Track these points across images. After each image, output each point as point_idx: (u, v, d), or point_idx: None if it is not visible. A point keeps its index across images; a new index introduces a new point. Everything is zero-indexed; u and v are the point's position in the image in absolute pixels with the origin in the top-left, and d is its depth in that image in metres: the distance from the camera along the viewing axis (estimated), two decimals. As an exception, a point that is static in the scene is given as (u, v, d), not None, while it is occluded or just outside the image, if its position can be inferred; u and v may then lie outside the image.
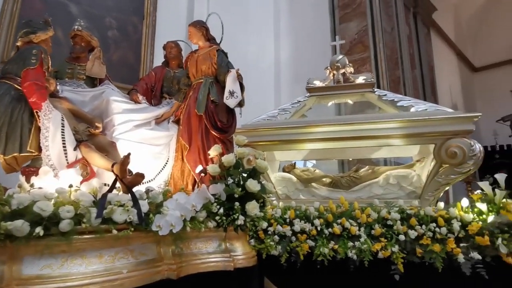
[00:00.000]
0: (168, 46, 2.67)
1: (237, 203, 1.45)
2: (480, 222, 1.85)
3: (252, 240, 2.09)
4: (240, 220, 1.45)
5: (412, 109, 2.36)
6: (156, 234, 1.29)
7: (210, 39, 2.38)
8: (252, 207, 1.45)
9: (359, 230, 1.98)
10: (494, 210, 1.87)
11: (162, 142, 2.18)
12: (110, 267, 1.16)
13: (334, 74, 2.87)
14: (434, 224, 1.88)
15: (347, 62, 2.87)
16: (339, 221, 2.02)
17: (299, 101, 2.81)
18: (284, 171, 2.85)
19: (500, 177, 1.95)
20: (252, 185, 1.49)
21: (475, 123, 2.13)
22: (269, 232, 2.12)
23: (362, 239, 1.92)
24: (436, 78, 5.41)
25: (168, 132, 2.22)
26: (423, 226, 1.89)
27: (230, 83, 2.07)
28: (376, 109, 2.72)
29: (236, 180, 1.56)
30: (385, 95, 2.60)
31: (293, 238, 2.06)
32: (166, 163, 2.16)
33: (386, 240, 1.90)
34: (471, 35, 8.06)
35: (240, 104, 2.22)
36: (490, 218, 1.84)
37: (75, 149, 1.54)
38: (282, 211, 2.21)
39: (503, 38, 7.76)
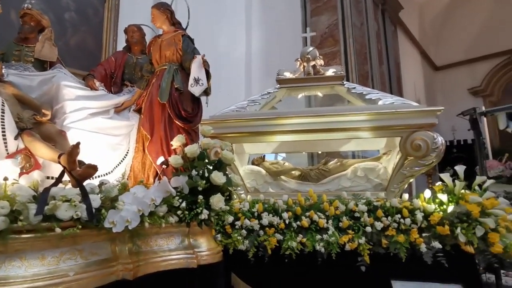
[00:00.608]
0: (130, 30, 2.49)
1: (200, 197, 1.36)
2: (441, 212, 1.90)
3: (219, 235, 2.02)
4: (204, 215, 1.36)
5: (380, 102, 2.38)
6: (111, 231, 1.17)
7: (175, 23, 2.24)
8: (217, 201, 1.37)
9: (327, 222, 1.96)
10: (453, 201, 1.92)
11: (122, 132, 2.02)
12: (54, 269, 1.03)
13: (304, 66, 2.83)
14: (399, 216, 1.91)
15: (318, 55, 2.85)
16: (307, 214, 2.00)
17: (269, 93, 2.75)
18: (253, 164, 2.79)
19: (460, 169, 2.01)
20: (217, 177, 1.41)
21: (438, 121, 2.19)
22: (237, 227, 2.06)
23: (330, 232, 1.91)
24: (402, 74, 5.60)
25: (128, 122, 2.07)
26: (389, 218, 1.92)
27: (195, 70, 1.96)
28: (345, 102, 2.72)
29: (200, 172, 1.47)
30: (354, 88, 2.61)
31: (261, 232, 2.01)
32: (126, 155, 2.01)
33: (353, 232, 1.90)
34: (434, 36, 8.42)
35: (206, 92, 2.12)
36: (450, 208, 1.89)
37: (16, 138, 1.37)
38: (250, 205, 2.15)
39: (462, 39, 8.18)
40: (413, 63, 7.22)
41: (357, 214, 1.96)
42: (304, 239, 1.91)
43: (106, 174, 1.80)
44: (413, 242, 1.81)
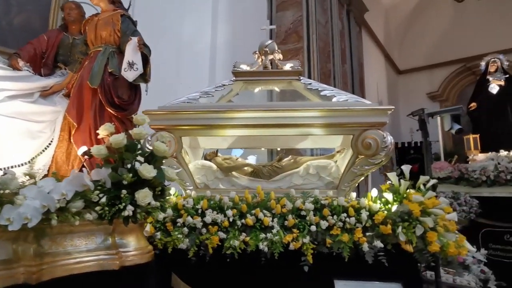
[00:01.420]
0: (67, 7, 2.27)
1: (124, 191, 1.23)
2: (386, 212, 1.89)
3: (158, 233, 1.89)
4: (128, 211, 1.23)
5: (334, 99, 2.34)
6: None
7: (115, 2, 2.06)
8: (143, 196, 1.24)
9: (272, 221, 1.90)
10: (398, 200, 1.93)
11: (46, 118, 1.82)
12: None
13: (262, 60, 2.75)
14: (345, 214, 1.89)
15: (276, 48, 2.77)
16: (253, 211, 1.92)
17: (224, 85, 2.63)
18: (205, 158, 2.67)
19: (406, 168, 2.02)
20: (146, 170, 1.28)
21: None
22: (179, 224, 1.94)
23: (274, 231, 1.85)
24: (365, 75, 5.70)
25: (55, 107, 1.87)
26: (335, 217, 1.88)
27: (130, 52, 1.80)
28: (302, 98, 2.68)
29: (130, 165, 1.33)
30: (310, 84, 2.56)
31: (204, 230, 1.91)
32: (50, 144, 1.81)
33: (298, 231, 1.85)
34: (398, 40, 8.71)
35: (145, 79, 1.97)
36: (395, 207, 1.89)
37: None
38: (195, 201, 2.04)
39: (423, 46, 8.53)
40: (377, 65, 7.40)
41: (303, 213, 1.91)
42: (248, 238, 1.83)
43: (23, 164, 1.61)
44: (356, 242, 1.79)
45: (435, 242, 1.72)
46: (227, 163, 2.57)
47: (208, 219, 1.91)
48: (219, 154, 2.69)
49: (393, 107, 2.17)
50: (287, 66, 2.70)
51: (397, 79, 8.84)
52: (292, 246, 1.79)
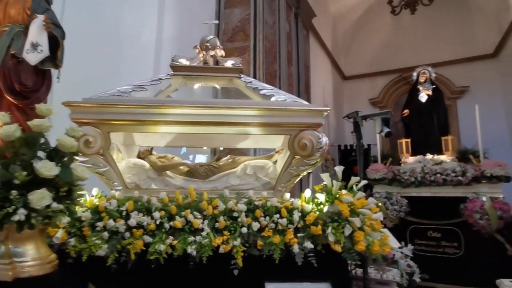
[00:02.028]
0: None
1: (14, 192, 1.05)
2: (318, 212, 1.91)
3: (72, 240, 1.69)
4: (20, 215, 1.05)
5: (273, 99, 2.32)
6: None
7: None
8: (39, 198, 1.07)
9: (203, 223, 1.80)
10: (330, 200, 1.95)
11: None
12: None
13: (203, 55, 2.64)
14: (278, 215, 1.86)
15: (218, 44, 2.68)
16: (183, 213, 1.81)
17: (161, 79, 2.47)
18: (138, 156, 2.48)
19: (339, 169, 2.06)
20: (45, 168, 1.11)
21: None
22: (98, 228, 1.76)
23: (204, 233, 1.76)
24: (311, 78, 5.87)
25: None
26: (267, 218, 1.85)
27: (34, 32, 1.58)
28: (244, 96, 2.62)
29: (31, 161, 1.15)
30: (250, 82, 2.51)
31: (128, 234, 1.75)
32: None
33: (229, 233, 1.78)
34: (344, 47, 9.15)
35: (56, 64, 1.75)
36: (326, 208, 1.92)
37: None
38: (120, 203, 1.87)
39: (366, 54, 9.08)
40: (323, 69, 7.68)
41: (236, 214, 1.85)
42: (175, 242, 1.71)
43: None
44: (288, 243, 1.77)
45: (362, 241, 1.77)
46: (161, 161, 2.41)
47: (132, 221, 1.75)
48: (154, 152, 2.53)
49: (329, 108, 2.20)
50: (229, 63, 2.62)
51: (343, 84, 9.28)
52: (222, 249, 1.72)
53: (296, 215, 1.84)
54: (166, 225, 1.76)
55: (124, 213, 1.81)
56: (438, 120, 5.33)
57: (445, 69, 7.57)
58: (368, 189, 5.20)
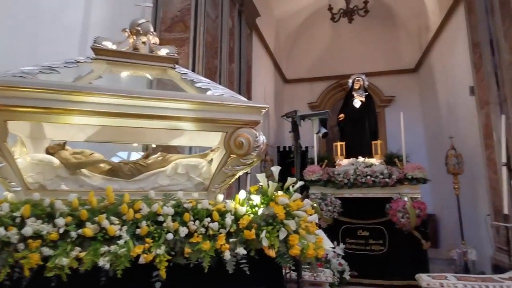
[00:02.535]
0: None
1: None
2: (252, 215, 1.79)
3: None
4: None
5: (209, 93, 2.15)
6: None
7: None
8: None
9: (121, 229, 1.56)
10: (266, 202, 1.85)
11: None
12: None
13: (133, 39, 2.35)
14: (209, 219, 1.70)
15: (151, 29, 2.42)
16: (96, 219, 1.54)
17: (78, 62, 2.14)
18: (47, 152, 2.10)
19: (275, 169, 1.97)
20: None
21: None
22: (-19, 239, 1.40)
23: (121, 241, 1.51)
24: (252, 78, 5.82)
25: None
26: (197, 222, 1.67)
27: None
28: (179, 90, 2.40)
29: None
30: (186, 74, 2.31)
31: (22, 246, 1.43)
32: None
33: (152, 240, 1.56)
34: (287, 51, 9.35)
35: None
36: (261, 210, 1.81)
37: None
38: (13, 207, 1.53)
39: (307, 59, 9.40)
40: (266, 70, 7.73)
41: (161, 218, 1.64)
42: (83, 254, 1.44)
43: None
44: (218, 249, 1.62)
45: (296, 245, 1.69)
46: (76, 158, 2.07)
47: (27, 230, 1.43)
48: (67, 147, 2.17)
49: (267, 106, 2.10)
50: (163, 52, 2.38)
51: (284, 87, 9.46)
52: (142, 260, 1.49)
53: (229, 219, 1.70)
54: (73, 234, 1.48)
55: (18, 220, 1.48)
56: (370, 125, 5.68)
57: (376, 79, 8.16)
58: (304, 190, 5.31)
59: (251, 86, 5.67)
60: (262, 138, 2.08)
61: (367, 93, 5.82)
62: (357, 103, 5.69)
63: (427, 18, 7.14)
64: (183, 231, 1.62)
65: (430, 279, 2.56)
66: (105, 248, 1.47)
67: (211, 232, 1.66)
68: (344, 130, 5.85)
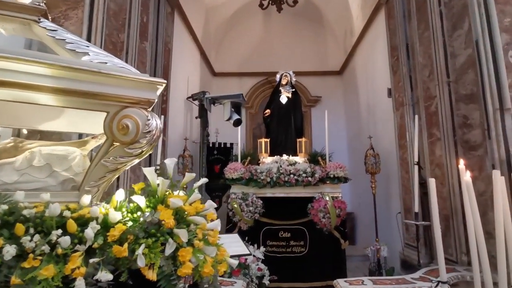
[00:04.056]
0: None
1: None
2: (131, 223, 1.31)
3: None
4: None
5: (85, 58, 1.59)
6: None
7: None
8: None
9: None
10: (153, 205, 1.39)
11: None
12: None
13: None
14: (60, 231, 1.17)
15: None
16: None
17: None
18: None
19: (169, 162, 1.52)
20: None
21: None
22: None
23: None
24: (172, 63, 5.24)
25: None
26: (37, 237, 1.13)
27: None
28: (44, 49, 1.77)
29: None
30: (55, 31, 1.71)
31: None
32: None
33: None
34: (216, 43, 8.88)
35: None
36: (145, 215, 1.34)
37: None
38: None
39: (237, 54, 9.08)
40: (191, 59, 7.16)
41: (-27, 233, 1.06)
42: None
43: None
44: (69, 276, 1.10)
45: (188, 263, 1.26)
46: None
47: None
48: None
49: (164, 81, 1.63)
50: (25, 0, 1.74)
51: (212, 79, 8.99)
52: None
53: (91, 230, 1.19)
54: None
55: None
56: (295, 122, 5.57)
57: (304, 79, 8.23)
58: (228, 190, 4.92)
59: (170, 72, 5.08)
60: (155, 122, 1.60)
61: (294, 90, 5.71)
62: (283, 99, 5.53)
63: (352, 22, 7.41)
64: (11, 250, 1.06)
65: (347, 285, 2.40)
66: None
67: (60, 250, 1.13)
68: (270, 126, 5.65)
